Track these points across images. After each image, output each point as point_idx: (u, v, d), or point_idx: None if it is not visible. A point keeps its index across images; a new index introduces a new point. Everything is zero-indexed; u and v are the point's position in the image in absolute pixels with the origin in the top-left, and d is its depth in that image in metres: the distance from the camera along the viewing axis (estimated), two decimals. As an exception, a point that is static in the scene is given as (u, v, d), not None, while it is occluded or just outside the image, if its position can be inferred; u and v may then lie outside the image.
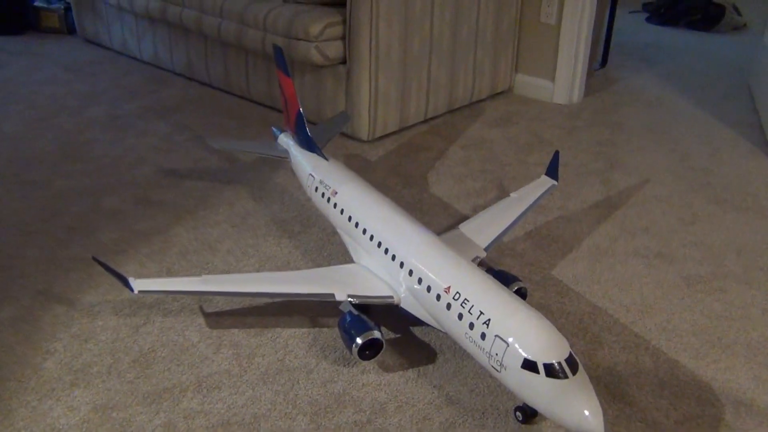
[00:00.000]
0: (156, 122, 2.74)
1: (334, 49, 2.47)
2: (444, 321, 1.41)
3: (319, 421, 1.35)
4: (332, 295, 1.52)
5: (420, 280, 1.47)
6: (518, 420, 1.36)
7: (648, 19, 4.68)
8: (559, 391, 1.20)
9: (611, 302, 1.73)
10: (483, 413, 1.38)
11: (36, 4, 3.94)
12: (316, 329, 1.61)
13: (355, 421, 1.35)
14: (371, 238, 1.62)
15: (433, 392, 1.43)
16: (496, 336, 1.28)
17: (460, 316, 1.35)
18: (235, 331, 1.59)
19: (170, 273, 1.81)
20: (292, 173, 2.12)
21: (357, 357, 1.42)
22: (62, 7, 3.90)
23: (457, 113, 2.93)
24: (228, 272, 1.80)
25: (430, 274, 1.45)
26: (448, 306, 1.39)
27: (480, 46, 2.91)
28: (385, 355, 1.52)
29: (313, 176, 1.87)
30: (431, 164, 2.46)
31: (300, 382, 1.45)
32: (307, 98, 2.64)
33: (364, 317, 1.46)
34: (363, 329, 1.43)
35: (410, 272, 1.50)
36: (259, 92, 2.91)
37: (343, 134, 2.63)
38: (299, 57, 2.49)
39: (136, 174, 2.33)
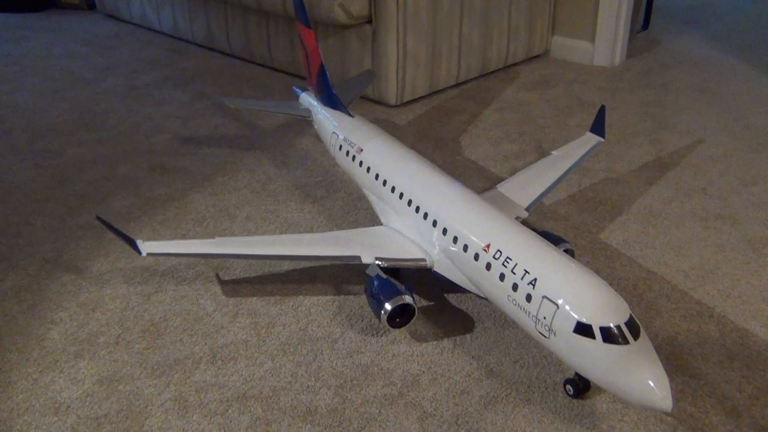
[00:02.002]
0: (174, 92, 2.63)
1: (359, 6, 2.31)
2: (483, 284, 1.26)
3: (345, 394, 1.22)
4: (358, 258, 1.38)
5: (455, 239, 1.32)
6: (568, 394, 1.20)
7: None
8: (619, 359, 1.04)
9: (668, 267, 1.56)
10: (528, 386, 1.23)
11: (55, -21, 3.86)
12: (342, 297, 1.47)
13: (384, 395, 1.21)
14: (401, 196, 1.47)
15: (472, 363, 1.28)
16: (543, 297, 1.12)
17: (502, 277, 1.20)
18: (254, 299, 1.46)
19: (186, 237, 1.68)
20: (316, 136, 1.98)
21: (386, 325, 1.28)
22: (81, -18, 3.81)
23: (491, 77, 2.76)
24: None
25: (466, 232, 1.30)
26: (488, 266, 1.23)
27: (515, 5, 2.72)
28: (417, 323, 1.38)
29: (336, 134, 1.73)
30: (464, 128, 2.30)
31: (324, 352, 1.31)
32: (331, 61, 2.49)
33: (394, 281, 1.32)
34: (392, 294, 1.28)
35: (444, 231, 1.35)
36: (281, 60, 2.77)
37: (370, 99, 2.48)
38: (322, 16, 2.34)
39: (153, 142, 2.21)
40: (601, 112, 1.84)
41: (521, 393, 1.22)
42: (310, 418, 1.17)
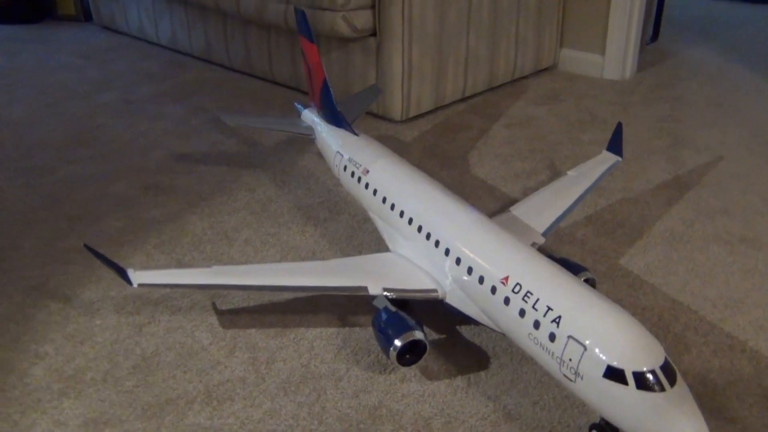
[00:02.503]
0: (171, 106, 2.54)
1: (363, 19, 2.23)
2: (501, 319, 1.17)
3: (351, 440, 1.12)
4: (365, 289, 1.29)
5: (470, 270, 1.22)
6: (594, 440, 1.11)
7: (700, -7, 4.35)
8: (654, 408, 0.95)
9: (693, 296, 1.47)
10: (550, 431, 1.13)
11: (52, -10, 3.79)
12: (347, 329, 1.37)
13: (394, 441, 1.12)
14: (410, 221, 1.38)
15: (488, 405, 1.19)
16: (569, 337, 1.02)
17: (522, 313, 1.11)
18: (252, 331, 1.37)
19: (181, 265, 1.59)
20: (318, 154, 1.89)
21: (395, 362, 1.19)
22: (78, -8, 3.73)
23: (498, 91, 2.67)
24: (244, 264, 1.58)
25: (482, 262, 1.21)
26: (506, 300, 1.14)
27: (523, 17, 2.64)
28: (428, 359, 1.28)
29: (341, 154, 1.63)
30: (472, 144, 2.21)
31: (327, 392, 1.22)
32: (335, 76, 2.40)
33: (403, 314, 1.22)
34: (402, 329, 1.19)
35: (458, 260, 1.25)
36: (282, 73, 2.68)
37: (374, 114, 2.39)
38: (325, 29, 2.26)
39: (147, 159, 2.12)
40: (618, 129, 1.75)
41: (543, 439, 1.12)
42: (312, 467, 1.08)
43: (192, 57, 3.07)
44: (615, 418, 0.99)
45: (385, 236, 1.48)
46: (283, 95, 2.62)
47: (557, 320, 1.05)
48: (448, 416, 1.17)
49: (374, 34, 2.28)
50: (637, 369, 0.96)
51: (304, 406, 1.19)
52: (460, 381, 1.24)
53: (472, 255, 1.23)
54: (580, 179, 1.63)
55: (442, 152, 2.16)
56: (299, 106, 1.91)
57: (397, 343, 1.17)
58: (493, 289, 1.17)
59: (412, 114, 2.38)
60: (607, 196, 1.88)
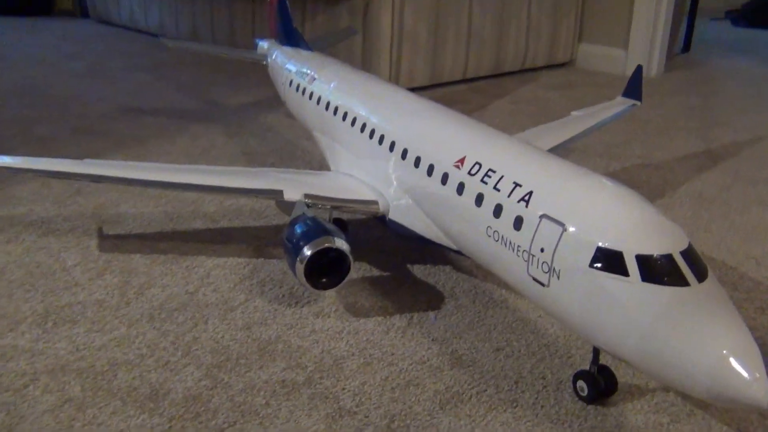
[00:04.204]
0: (139, 74, 2.28)
1: (350, -27, 1.97)
2: (453, 219, 0.82)
3: (221, 376, 0.77)
4: (279, 193, 0.95)
5: (418, 161, 0.89)
6: (580, 396, 0.74)
7: (734, 23, 4.07)
8: (671, 312, 0.59)
9: (731, 253, 1.11)
10: (516, 382, 0.77)
11: (51, -17, 3.66)
12: (260, 260, 1.03)
13: (283, 381, 0.76)
14: (353, 122, 1.06)
15: (430, 348, 0.82)
16: (543, 217, 0.68)
17: (479, 200, 0.76)
18: (137, 257, 1.03)
19: (79, 191, 1.27)
20: (286, 115, 1.59)
21: (303, 280, 0.83)
22: (77, -13, 3.59)
23: (506, 78, 2.37)
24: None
25: (433, 147, 0.88)
26: (460, 188, 0.80)
27: (536, 0, 2.37)
28: (358, 294, 0.93)
29: (290, 68, 1.33)
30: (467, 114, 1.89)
31: (209, 322, 0.87)
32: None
33: (324, 222, 0.87)
34: (316, 235, 0.84)
35: (404, 153, 0.92)
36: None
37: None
38: (307, -17, 2.00)
39: (90, 109, 1.84)
40: (638, 72, 1.43)
41: (503, 391, 0.75)
42: (150, 405, 0.72)
43: (179, 41, 2.84)
44: (610, 337, 0.62)
45: (328, 154, 1.15)
46: (263, 70, 2.34)
47: (526, 198, 0.71)
48: (369, 357, 0.81)
49: (363, -6, 2.01)
50: (643, 251, 0.61)
51: (170, 334, 0.84)
52: (397, 320, 0.88)
53: (421, 141, 0.90)
54: (585, 119, 1.30)
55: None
56: (257, 40, 1.63)
57: (307, 251, 0.82)
58: (445, 178, 0.83)
59: (402, 84, 2.08)
60: (622, 160, 1.54)
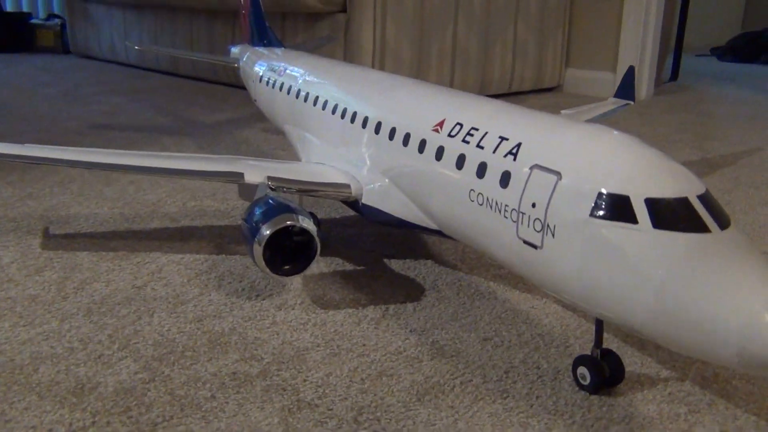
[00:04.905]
0: (114, 97, 2.21)
1: (331, -11, 1.92)
2: (432, 189, 0.73)
3: (161, 368, 0.65)
4: (240, 176, 0.86)
5: (393, 132, 0.80)
6: (581, 385, 0.63)
7: (720, 58, 4.09)
8: (690, 262, 0.49)
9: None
10: (506, 372, 0.66)
11: (33, 21, 3.63)
12: (221, 256, 0.93)
13: (234, 373, 0.65)
14: (324, 105, 0.97)
15: (407, 339, 0.72)
16: (534, 167, 0.58)
17: (461, 162, 0.67)
18: (83, 254, 0.93)
19: (30, 195, 1.17)
20: (265, 130, 1.52)
21: (261, 264, 0.72)
22: (58, 23, 3.54)
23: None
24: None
25: (408, 116, 0.79)
26: (439, 152, 0.71)
27: (522, 20, 2.33)
28: (328, 288, 0.83)
29: (261, 65, 1.25)
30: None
31: (154, 315, 0.76)
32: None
33: (287, 201, 0.77)
34: (278, 212, 0.73)
35: (377, 127, 0.83)
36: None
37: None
38: (288, 1, 1.95)
39: (58, 126, 1.75)
40: (630, 73, 1.37)
41: (491, 381, 0.64)
42: (73, 400, 0.61)
43: (159, 72, 2.78)
44: (617, 301, 0.52)
45: (299, 147, 1.06)
46: (242, 95, 2.27)
47: (514, 151, 0.61)
48: (337, 348, 0.70)
49: (344, 11, 1.96)
50: (653, 194, 0.51)
51: (108, 327, 0.73)
52: (371, 312, 0.78)
53: (395, 112, 0.81)
54: (576, 117, 1.23)
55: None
56: (230, 47, 1.56)
57: (266, 230, 0.71)
58: (422, 145, 0.73)
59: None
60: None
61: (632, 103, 1.32)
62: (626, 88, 1.35)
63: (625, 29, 2.41)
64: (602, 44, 2.48)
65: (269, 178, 0.84)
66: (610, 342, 0.70)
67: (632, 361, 0.67)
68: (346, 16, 1.96)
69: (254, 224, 0.74)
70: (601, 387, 0.62)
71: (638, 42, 2.39)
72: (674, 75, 3.03)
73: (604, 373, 0.62)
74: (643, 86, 2.45)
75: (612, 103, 1.32)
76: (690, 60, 3.62)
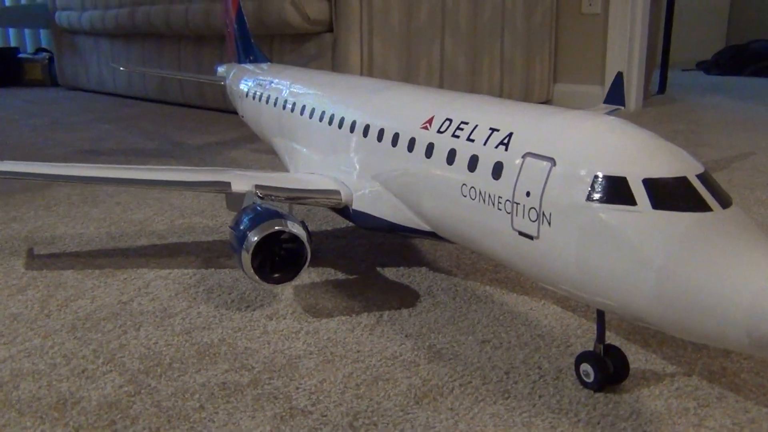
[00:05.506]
0: (102, 125, 2.20)
1: (317, 8, 1.91)
2: (422, 188, 0.71)
3: (148, 381, 0.63)
4: (227, 185, 0.84)
5: (381, 133, 0.78)
6: (585, 383, 0.60)
7: (707, 71, 4.11)
8: (693, 242, 0.47)
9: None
10: (506, 373, 0.63)
11: (21, 55, 3.63)
12: (210, 270, 0.90)
13: (223, 383, 0.62)
14: (311, 113, 0.95)
15: (403, 344, 0.69)
16: (527, 156, 0.57)
17: (451, 156, 0.65)
18: (68, 272, 0.90)
19: (15, 219, 1.15)
20: (254, 151, 1.50)
21: (250, 271, 0.70)
22: (46, 57, 3.55)
23: (482, 117, 2.31)
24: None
25: (396, 116, 0.77)
26: (429, 149, 0.69)
27: (508, 34, 2.33)
28: (320, 297, 0.80)
29: (247, 81, 1.24)
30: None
31: (141, 329, 0.73)
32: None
33: (275, 207, 0.75)
34: (266, 218, 0.71)
35: (366, 130, 0.81)
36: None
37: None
38: (272, 20, 1.95)
39: (45, 153, 1.73)
40: (618, 79, 1.37)
41: (491, 382, 0.62)
42: (54, 415, 0.58)
43: (146, 100, 2.77)
44: (618, 288, 0.50)
45: (287, 159, 1.05)
46: (231, 120, 2.26)
47: (505, 141, 0.60)
48: (330, 355, 0.67)
49: (331, 30, 1.96)
50: (651, 175, 0.49)
51: (93, 343, 0.71)
52: (365, 318, 0.75)
53: (383, 114, 0.80)
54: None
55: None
56: (216, 66, 1.55)
57: (253, 237, 0.69)
58: (411, 144, 0.72)
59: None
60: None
61: (623, 108, 1.31)
62: (616, 94, 1.34)
63: (611, 43, 2.43)
64: (589, 59, 2.49)
65: (257, 186, 0.82)
66: (612, 338, 0.68)
67: (636, 358, 0.65)
68: (332, 35, 1.95)
69: (242, 231, 0.72)
70: (605, 384, 0.60)
71: (624, 55, 2.40)
72: (662, 88, 3.04)
73: (607, 369, 0.60)
74: (632, 98, 2.45)
75: (602, 109, 1.31)
76: (676, 75, 3.66)
